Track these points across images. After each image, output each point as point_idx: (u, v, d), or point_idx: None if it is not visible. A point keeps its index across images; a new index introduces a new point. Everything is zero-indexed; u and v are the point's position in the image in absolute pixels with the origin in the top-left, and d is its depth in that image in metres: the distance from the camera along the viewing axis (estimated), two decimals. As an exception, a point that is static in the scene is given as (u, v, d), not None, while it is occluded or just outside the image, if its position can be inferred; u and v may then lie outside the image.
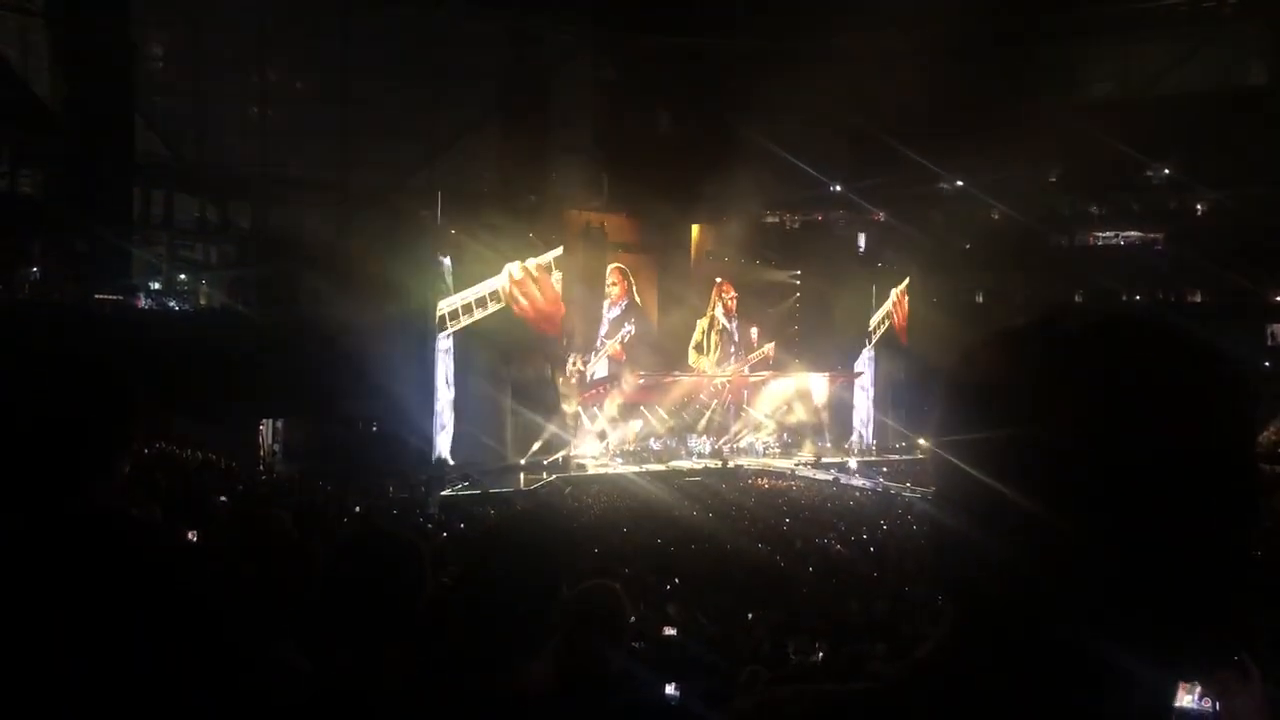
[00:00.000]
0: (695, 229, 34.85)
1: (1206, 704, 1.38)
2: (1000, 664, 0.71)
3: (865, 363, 37.28)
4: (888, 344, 37.30)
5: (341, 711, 1.56)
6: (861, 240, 37.74)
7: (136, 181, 30.95)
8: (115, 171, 29.00)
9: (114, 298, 27.32)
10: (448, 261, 28.93)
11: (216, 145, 34.22)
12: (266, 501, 12.87)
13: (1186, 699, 1.43)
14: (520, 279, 29.35)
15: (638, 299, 33.62)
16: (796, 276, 36.04)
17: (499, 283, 29.08)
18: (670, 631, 7.19)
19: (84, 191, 27.58)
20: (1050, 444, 0.67)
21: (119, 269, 28.77)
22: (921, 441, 30.94)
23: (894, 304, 37.35)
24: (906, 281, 37.36)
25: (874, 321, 37.23)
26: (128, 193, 30.39)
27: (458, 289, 28.77)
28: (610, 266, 32.72)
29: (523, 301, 29.46)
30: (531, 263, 29.60)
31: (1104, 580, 0.67)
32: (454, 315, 28.43)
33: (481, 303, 28.73)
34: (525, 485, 26.99)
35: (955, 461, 0.73)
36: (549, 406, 30.22)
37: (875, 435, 36.99)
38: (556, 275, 30.30)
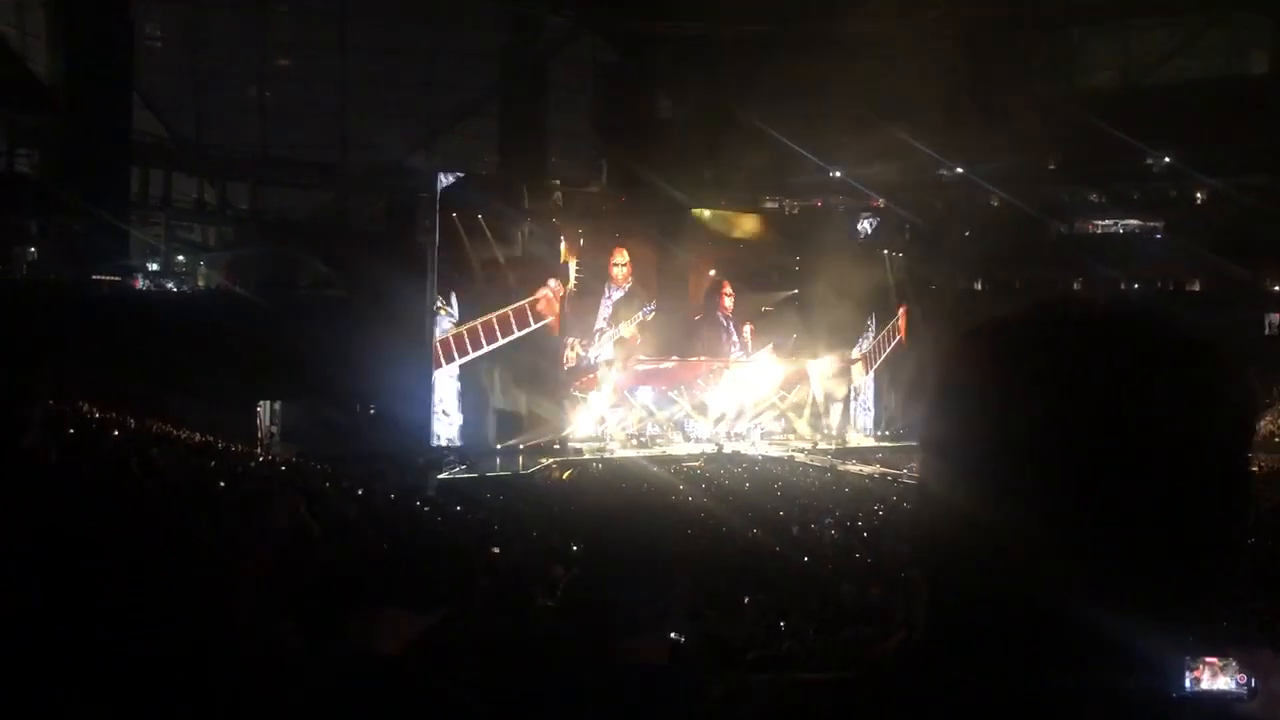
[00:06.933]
0: (694, 214, 34.67)
1: (1242, 680, 1.34)
2: (995, 646, 0.69)
3: (864, 348, 37.25)
4: (887, 330, 37.28)
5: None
6: (861, 226, 37.61)
7: (134, 162, 30.79)
8: (113, 151, 28.82)
9: (112, 278, 27.24)
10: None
11: (215, 126, 34.10)
12: (268, 484, 12.89)
13: (1223, 680, 1.39)
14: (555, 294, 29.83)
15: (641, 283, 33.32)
16: (795, 262, 35.92)
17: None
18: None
19: (81, 171, 27.38)
20: (1044, 436, 0.67)
21: (117, 250, 28.64)
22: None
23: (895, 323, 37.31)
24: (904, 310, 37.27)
25: (872, 308, 37.20)
26: (125, 173, 30.23)
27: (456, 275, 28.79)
28: (618, 247, 32.32)
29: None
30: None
31: (1103, 565, 0.66)
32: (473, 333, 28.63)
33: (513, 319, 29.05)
34: (522, 469, 26.98)
35: (943, 458, 0.73)
36: (548, 389, 30.18)
37: (873, 420, 37.02)
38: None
